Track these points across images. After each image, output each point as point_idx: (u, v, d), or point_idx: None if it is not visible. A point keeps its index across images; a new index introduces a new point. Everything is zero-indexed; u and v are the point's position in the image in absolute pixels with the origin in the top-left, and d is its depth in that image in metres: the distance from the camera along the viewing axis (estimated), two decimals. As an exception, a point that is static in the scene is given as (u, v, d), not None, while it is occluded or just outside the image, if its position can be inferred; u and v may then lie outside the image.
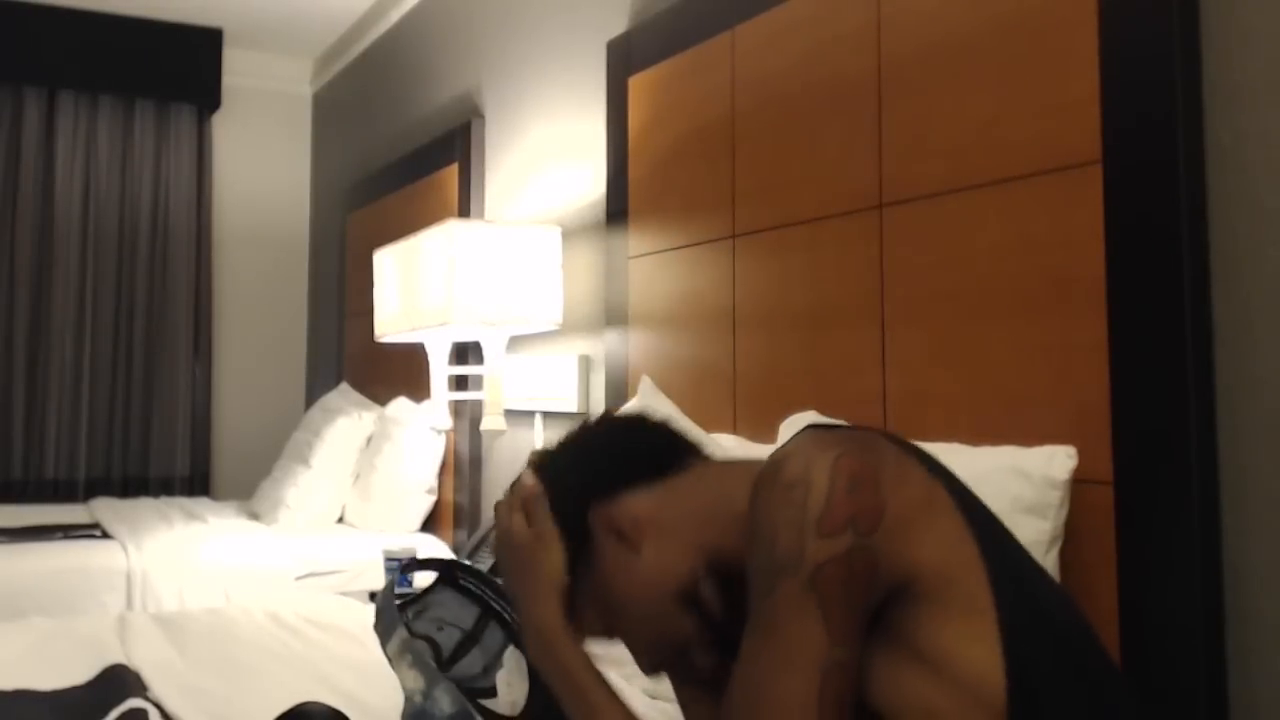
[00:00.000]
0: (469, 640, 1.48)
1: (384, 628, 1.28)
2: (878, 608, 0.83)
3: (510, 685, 1.39)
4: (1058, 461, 1.34)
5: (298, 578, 2.94)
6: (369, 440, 3.50)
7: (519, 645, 1.42)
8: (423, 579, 2.67)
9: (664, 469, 1.02)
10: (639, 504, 0.99)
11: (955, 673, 0.80)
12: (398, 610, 1.29)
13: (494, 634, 1.46)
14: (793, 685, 0.78)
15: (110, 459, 4.44)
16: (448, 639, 1.47)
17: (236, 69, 4.82)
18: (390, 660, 1.24)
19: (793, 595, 0.80)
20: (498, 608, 1.44)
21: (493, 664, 1.46)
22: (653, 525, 0.98)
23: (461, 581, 1.45)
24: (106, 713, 1.48)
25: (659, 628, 0.98)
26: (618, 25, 2.57)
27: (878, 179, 1.73)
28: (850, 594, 0.80)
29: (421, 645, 1.41)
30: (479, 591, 1.45)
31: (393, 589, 1.33)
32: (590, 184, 2.69)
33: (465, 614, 1.46)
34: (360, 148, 4.45)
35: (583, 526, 1.00)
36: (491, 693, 1.44)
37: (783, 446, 0.88)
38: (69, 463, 4.36)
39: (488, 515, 3.09)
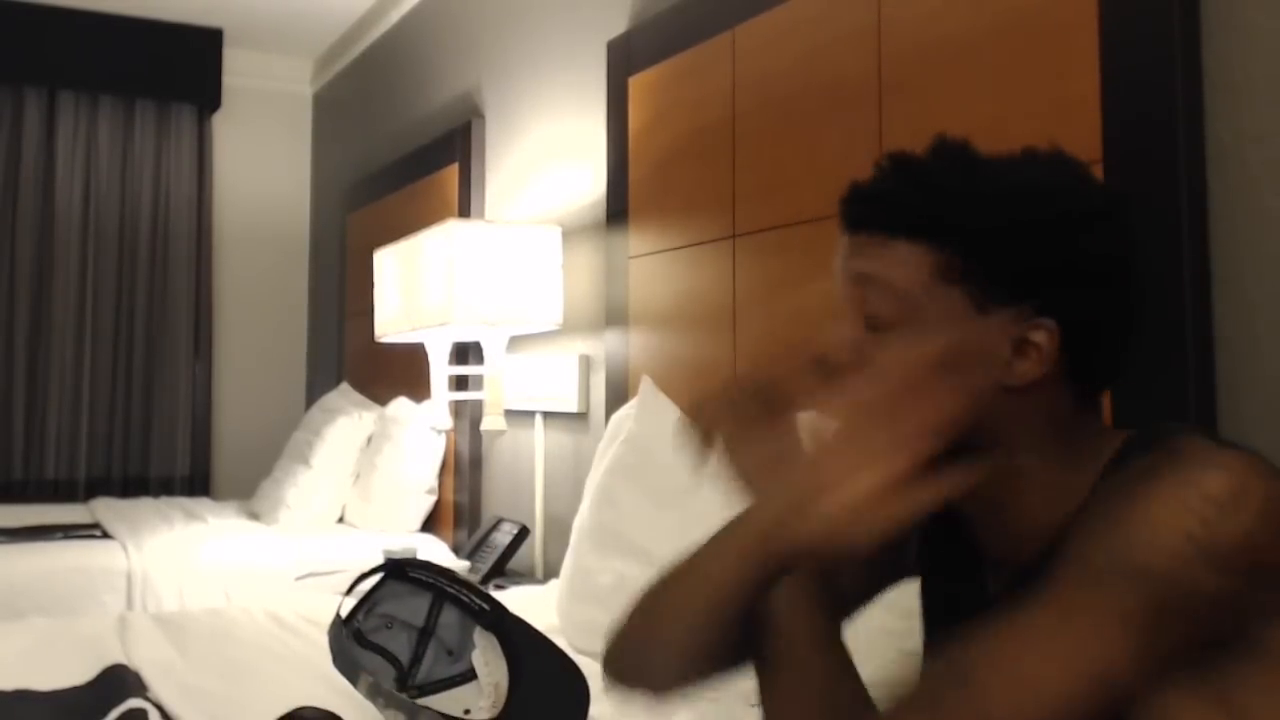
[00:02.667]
0: (423, 636, 1.47)
1: (346, 667, 1.28)
2: (1206, 645, 0.71)
3: (488, 664, 1.38)
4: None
5: (298, 578, 2.94)
6: (369, 440, 3.50)
7: (485, 625, 1.40)
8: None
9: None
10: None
11: None
12: (351, 637, 1.28)
13: (449, 617, 1.46)
14: (1060, 684, 0.69)
15: (110, 459, 4.44)
16: (400, 643, 1.47)
17: (236, 69, 4.81)
18: (365, 697, 1.24)
19: (1125, 603, 0.69)
20: (451, 591, 1.43)
21: (461, 646, 1.45)
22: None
23: (411, 574, 1.45)
24: (106, 713, 1.48)
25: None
26: (618, 25, 2.57)
27: (878, 179, 1.73)
28: (1187, 632, 0.69)
29: (381, 666, 1.41)
30: (430, 580, 1.45)
31: (339, 621, 1.32)
32: (590, 184, 2.69)
33: (416, 604, 1.46)
34: (360, 148, 4.45)
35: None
36: (471, 674, 1.43)
37: (1204, 448, 0.74)
38: (69, 463, 4.36)
39: (488, 515, 3.09)
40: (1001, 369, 0.80)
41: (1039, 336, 0.79)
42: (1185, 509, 0.69)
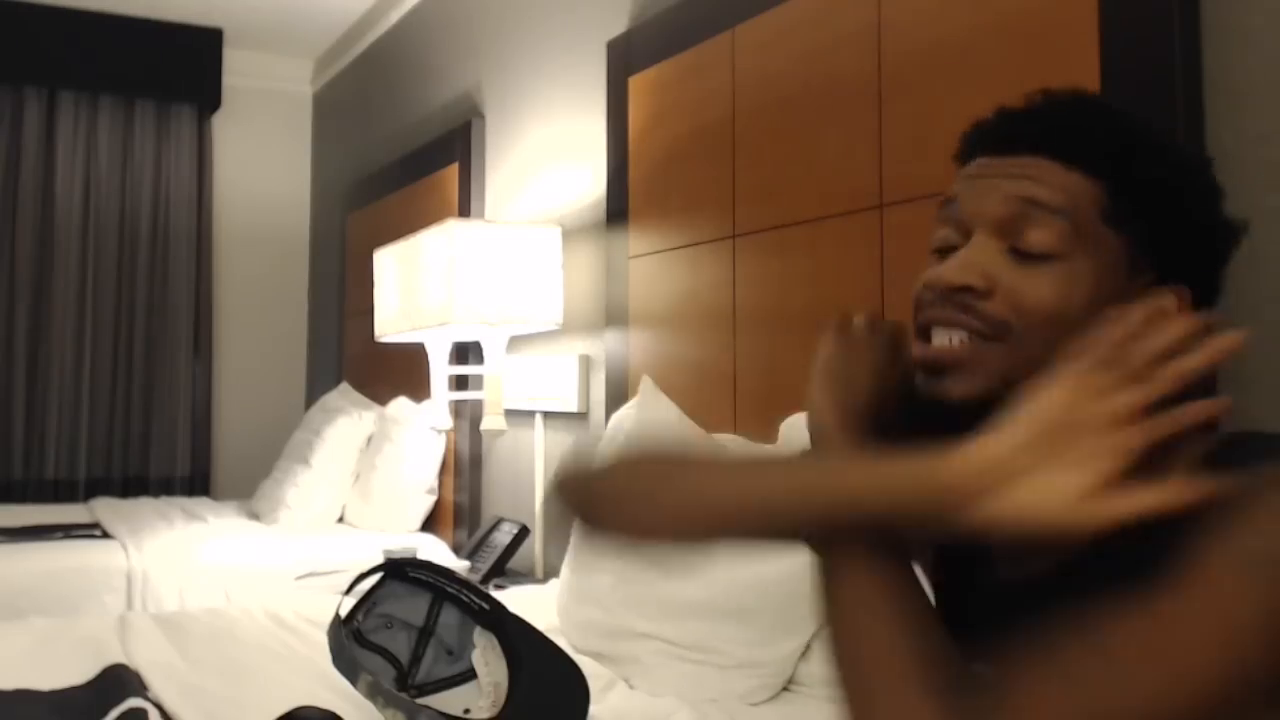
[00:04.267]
0: (423, 635, 1.47)
1: (345, 666, 1.28)
2: None
3: (488, 664, 1.38)
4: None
5: (298, 578, 2.94)
6: (369, 440, 3.50)
7: (485, 625, 1.40)
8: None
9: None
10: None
11: None
12: (351, 636, 1.28)
13: (449, 617, 1.46)
14: (1205, 674, 0.63)
15: (110, 459, 4.44)
16: (399, 643, 1.47)
17: (236, 69, 4.81)
18: (365, 696, 1.24)
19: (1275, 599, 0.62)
20: (451, 591, 1.43)
21: (461, 646, 1.45)
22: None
23: (410, 574, 1.45)
24: (106, 713, 1.48)
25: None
26: (618, 25, 2.57)
27: (878, 179, 1.73)
28: None
29: (381, 665, 1.41)
30: (429, 580, 1.45)
31: (338, 621, 1.32)
32: (590, 184, 2.69)
33: (416, 604, 1.46)
34: (360, 148, 4.45)
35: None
36: (471, 674, 1.43)
37: None
38: (69, 463, 4.36)
39: (488, 515, 3.09)
40: None
41: (1171, 301, 0.75)
42: None
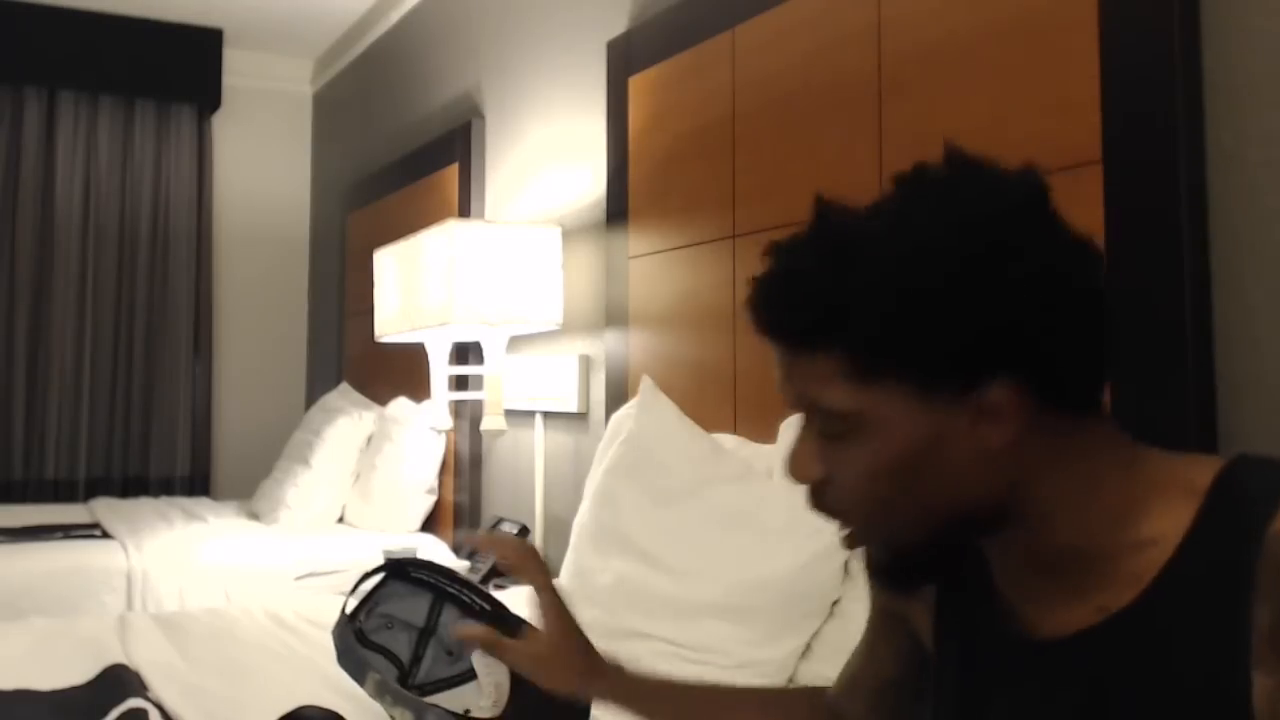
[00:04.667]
0: (424, 635, 1.47)
1: (353, 667, 1.28)
2: None
3: (489, 665, 1.38)
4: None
5: (298, 578, 2.94)
6: (369, 440, 3.50)
7: (488, 622, 1.40)
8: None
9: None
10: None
11: None
12: (355, 637, 1.28)
13: (450, 617, 1.45)
14: None
15: (110, 459, 4.44)
16: (400, 643, 1.47)
17: (236, 69, 4.81)
18: (372, 696, 1.24)
19: None
20: (452, 591, 1.43)
21: (461, 646, 1.45)
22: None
23: (412, 574, 1.45)
24: (106, 713, 1.48)
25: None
26: (618, 25, 2.57)
27: (878, 179, 1.73)
28: None
29: (385, 665, 1.41)
30: (430, 580, 1.44)
31: (344, 620, 1.32)
32: (590, 184, 2.69)
33: (417, 604, 1.46)
34: (360, 148, 4.45)
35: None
36: (471, 674, 1.43)
37: None
38: (69, 463, 4.36)
39: (488, 515, 3.09)
40: (974, 440, 0.73)
41: (997, 396, 0.71)
42: None
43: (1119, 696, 0.72)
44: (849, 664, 1.03)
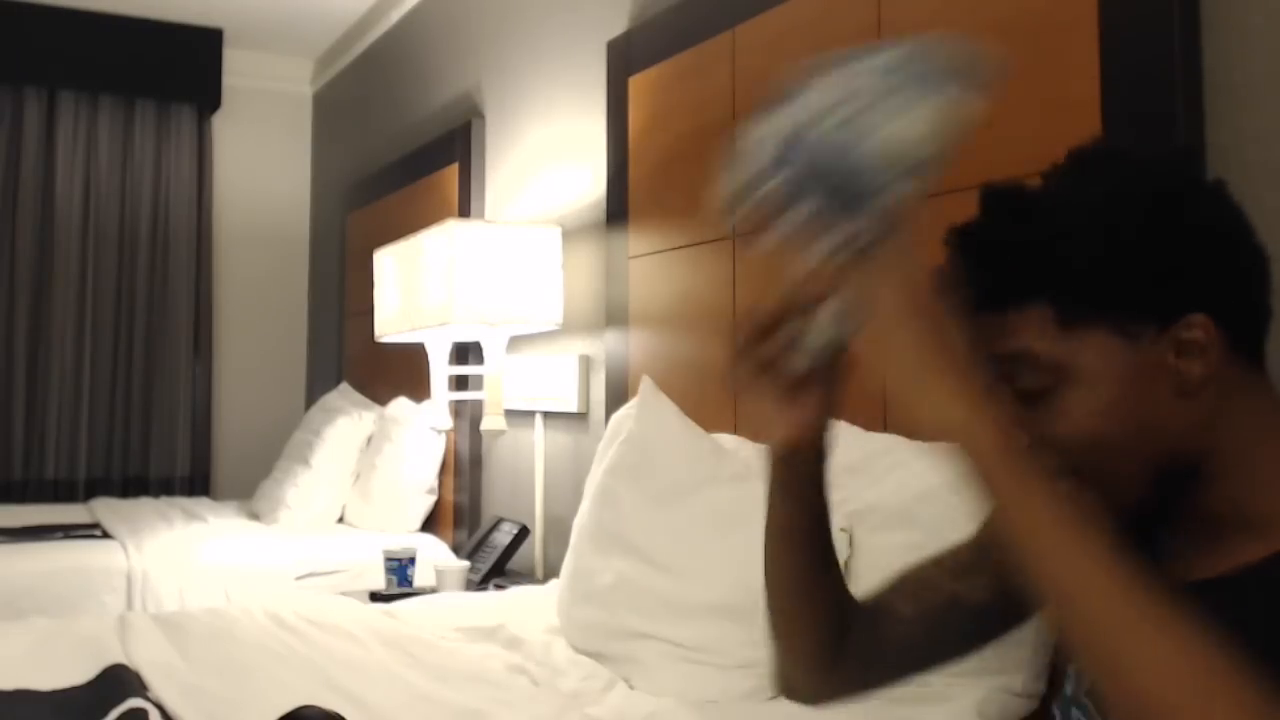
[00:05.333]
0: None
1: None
2: None
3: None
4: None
5: (298, 578, 2.94)
6: (369, 440, 3.50)
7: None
8: (421, 579, 2.68)
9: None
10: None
11: None
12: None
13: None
14: None
15: (110, 459, 4.44)
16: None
17: (236, 69, 4.81)
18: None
19: None
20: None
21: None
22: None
23: None
24: (106, 713, 1.47)
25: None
26: (618, 25, 2.57)
27: (878, 179, 1.73)
28: None
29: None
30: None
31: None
32: (590, 184, 2.69)
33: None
34: (360, 148, 4.45)
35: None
36: None
37: None
38: (69, 463, 4.36)
39: (488, 515, 3.09)
40: (1176, 381, 0.77)
41: (1194, 333, 0.76)
42: None
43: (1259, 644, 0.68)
44: (911, 570, 0.97)
